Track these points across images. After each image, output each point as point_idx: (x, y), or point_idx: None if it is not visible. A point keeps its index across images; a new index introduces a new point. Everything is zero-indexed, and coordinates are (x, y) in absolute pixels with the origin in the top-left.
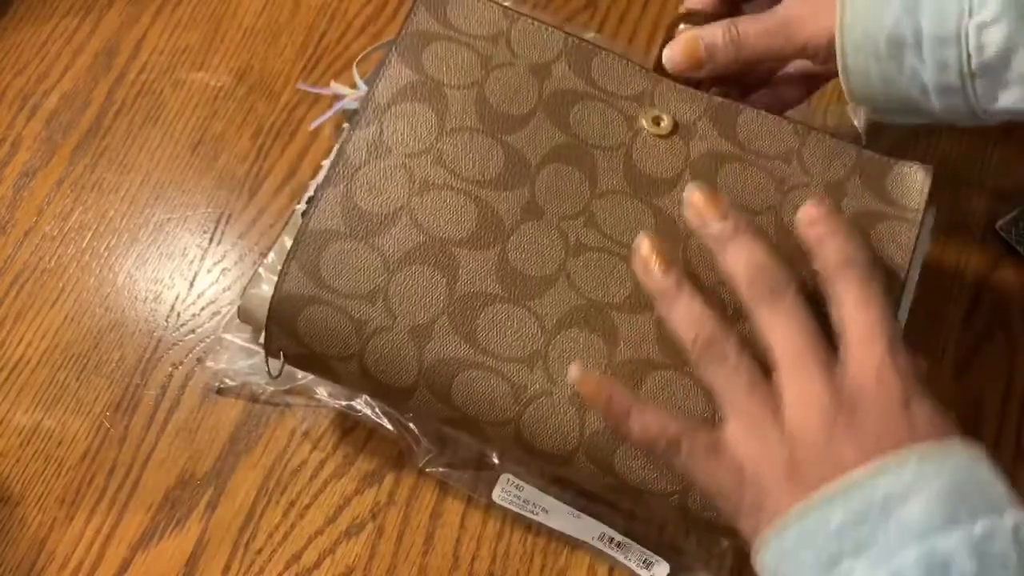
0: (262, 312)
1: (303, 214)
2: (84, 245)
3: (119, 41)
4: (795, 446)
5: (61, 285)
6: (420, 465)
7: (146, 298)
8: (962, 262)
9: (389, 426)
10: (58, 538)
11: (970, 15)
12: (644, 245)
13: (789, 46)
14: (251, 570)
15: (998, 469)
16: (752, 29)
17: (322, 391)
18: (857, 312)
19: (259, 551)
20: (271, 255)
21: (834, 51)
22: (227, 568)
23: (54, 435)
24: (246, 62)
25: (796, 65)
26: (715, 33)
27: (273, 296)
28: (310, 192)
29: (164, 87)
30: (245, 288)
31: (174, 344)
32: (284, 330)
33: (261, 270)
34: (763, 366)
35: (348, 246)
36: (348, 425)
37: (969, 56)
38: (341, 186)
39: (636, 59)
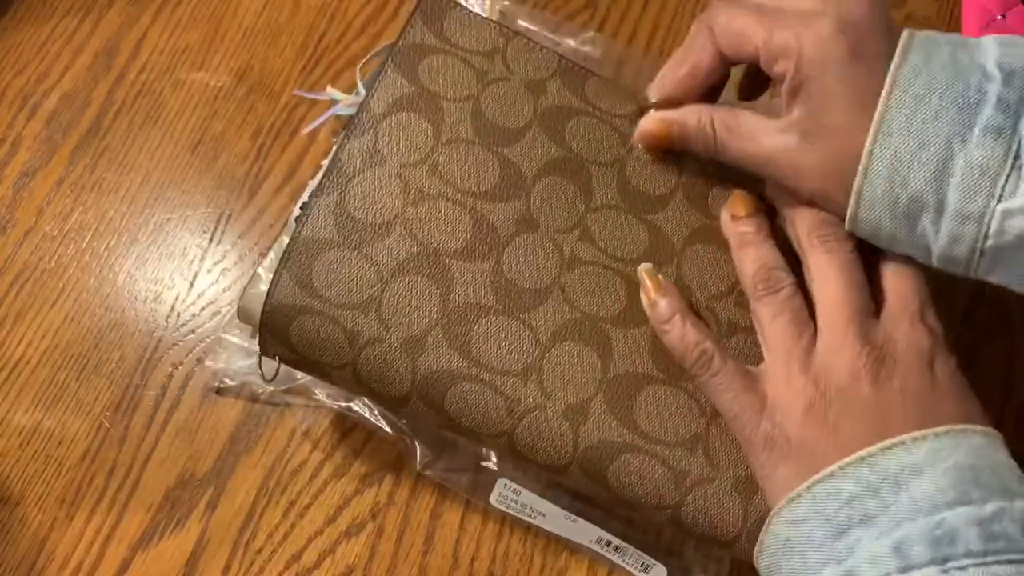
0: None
1: (296, 219)
2: (84, 245)
3: (119, 41)
4: (818, 390)
5: (61, 285)
6: (418, 469)
7: (146, 298)
8: None
9: (388, 429)
10: (58, 538)
11: (999, 200)
12: (643, 276)
13: (757, 168)
14: (251, 570)
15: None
16: (725, 135)
17: (320, 392)
18: (894, 279)
19: (259, 551)
20: (270, 255)
21: (829, 195)
22: (227, 568)
23: (54, 435)
24: (246, 62)
25: None
26: (690, 124)
27: (264, 304)
28: (305, 196)
29: (164, 87)
30: (245, 288)
31: (174, 344)
32: (277, 337)
33: (260, 270)
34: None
35: (341, 255)
36: (348, 425)
37: (986, 237)
38: (335, 195)
39: (635, 59)
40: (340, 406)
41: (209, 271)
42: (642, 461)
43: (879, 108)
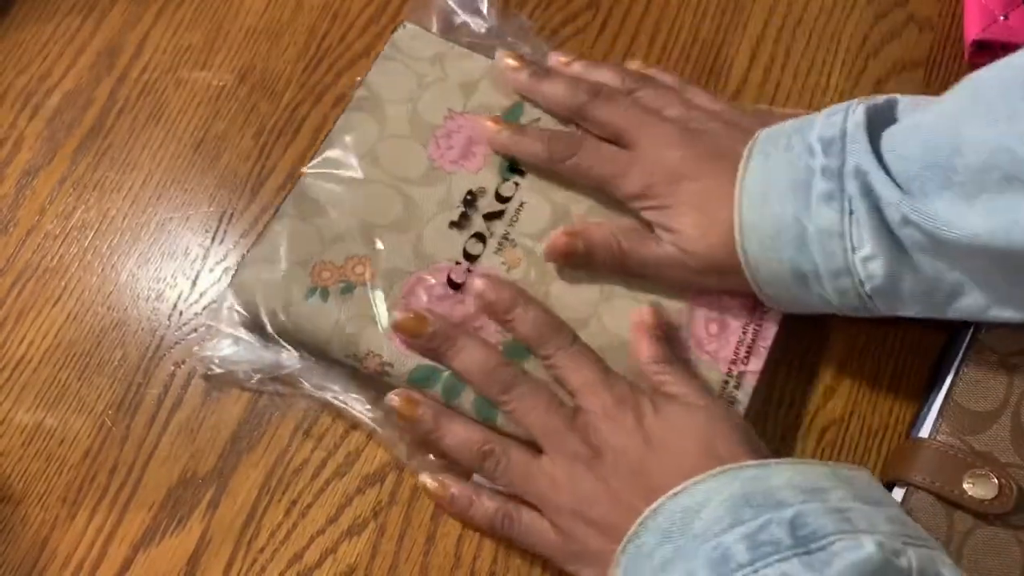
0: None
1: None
2: (86, 244)
3: (121, 40)
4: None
5: (63, 284)
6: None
7: (148, 297)
8: None
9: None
10: (60, 537)
11: (853, 252)
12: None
13: (682, 278)
14: (253, 569)
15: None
16: (636, 256)
17: (306, 383)
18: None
19: (261, 550)
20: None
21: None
22: (229, 567)
23: (56, 434)
24: (248, 61)
25: None
26: (596, 240)
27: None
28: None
29: (166, 86)
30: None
31: (176, 343)
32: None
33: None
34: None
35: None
36: (350, 424)
37: (862, 283)
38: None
39: (638, 59)
40: (331, 399)
41: (211, 270)
42: None
43: (735, 213)
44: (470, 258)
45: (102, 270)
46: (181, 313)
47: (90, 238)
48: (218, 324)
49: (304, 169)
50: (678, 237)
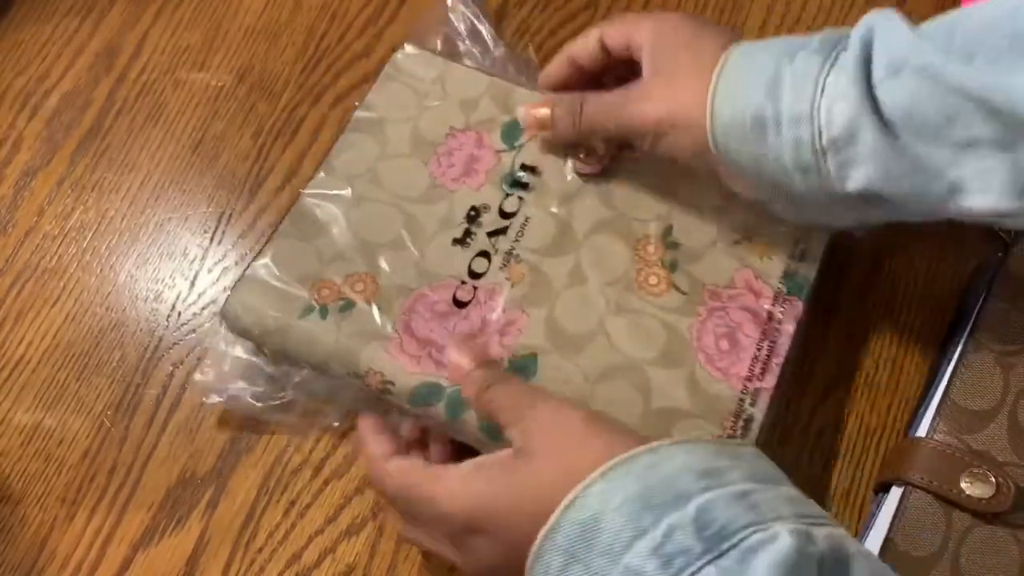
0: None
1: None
2: (85, 245)
3: (120, 41)
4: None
5: (62, 285)
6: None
7: (147, 297)
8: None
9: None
10: (59, 537)
11: (822, 93)
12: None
13: (619, 129)
14: (252, 569)
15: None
16: (591, 108)
17: (300, 407)
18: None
19: (260, 550)
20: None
21: (651, 137)
22: (228, 567)
23: (55, 434)
24: (247, 62)
25: None
26: (563, 105)
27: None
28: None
29: (165, 87)
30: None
31: (175, 343)
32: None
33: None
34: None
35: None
36: (348, 426)
37: (820, 132)
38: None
39: None
40: (333, 425)
41: (210, 270)
42: None
43: (721, 58)
44: (475, 276)
45: (100, 271)
46: (180, 314)
47: (88, 239)
48: (216, 344)
49: (303, 190)
50: (646, 82)
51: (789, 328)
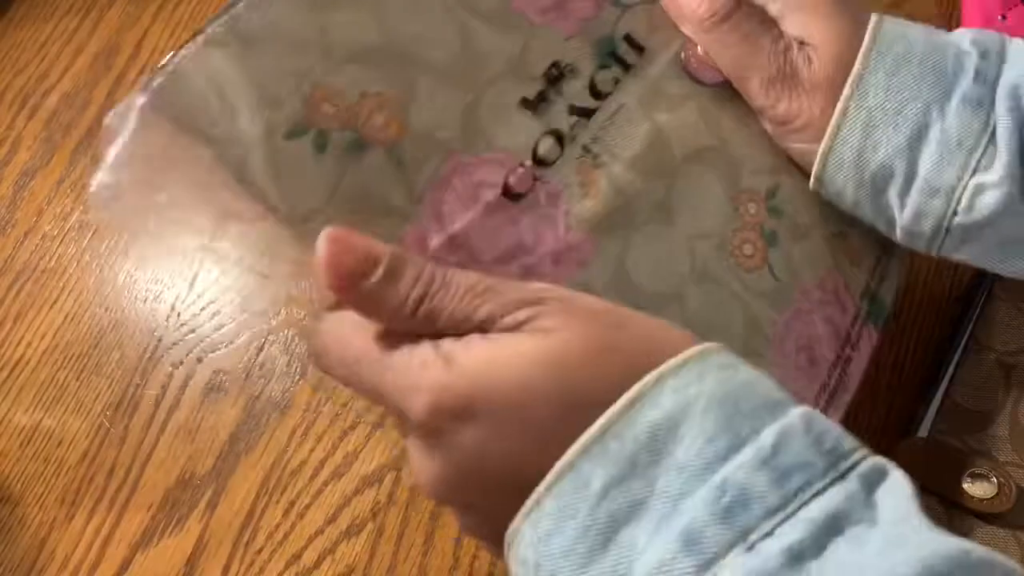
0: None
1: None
2: (84, 245)
3: (119, 41)
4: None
5: (61, 285)
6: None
7: (146, 298)
8: None
9: None
10: (58, 538)
11: (973, 173)
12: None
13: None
14: (251, 570)
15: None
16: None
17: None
18: None
19: (259, 551)
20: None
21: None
22: (227, 568)
23: (54, 435)
24: None
25: None
26: None
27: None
28: None
29: None
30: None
31: (174, 344)
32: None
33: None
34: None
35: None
36: (348, 425)
37: (955, 213)
38: None
39: None
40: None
41: (209, 271)
42: None
43: (856, 65)
44: (540, 163)
45: (100, 271)
46: (179, 315)
47: (88, 239)
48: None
49: None
50: (808, 29)
51: (863, 359)
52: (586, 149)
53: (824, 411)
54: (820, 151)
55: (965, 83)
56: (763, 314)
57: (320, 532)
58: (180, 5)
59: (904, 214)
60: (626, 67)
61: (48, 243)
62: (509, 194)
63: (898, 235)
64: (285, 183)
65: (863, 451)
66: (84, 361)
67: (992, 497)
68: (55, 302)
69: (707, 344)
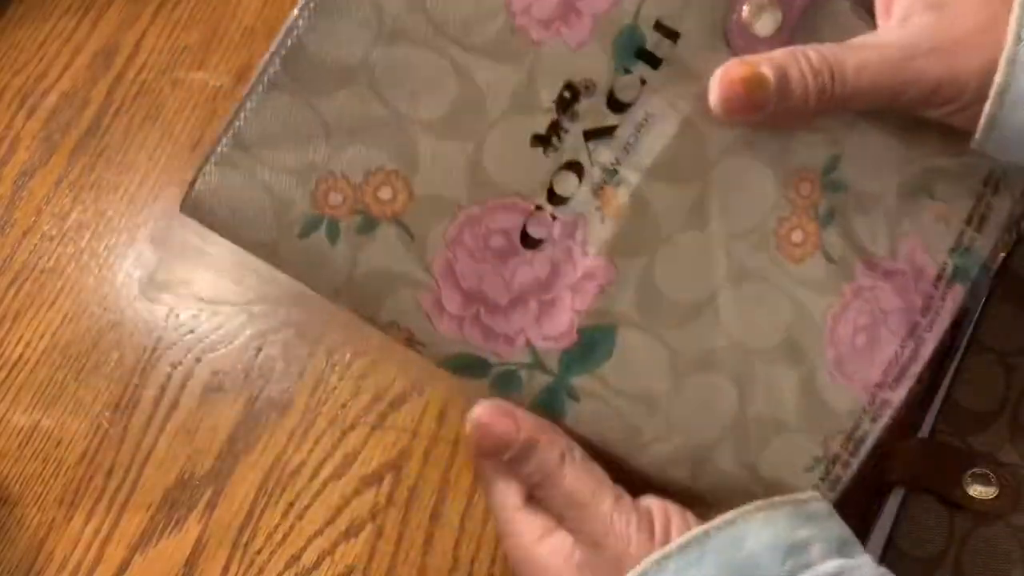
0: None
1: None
2: (83, 245)
3: (118, 40)
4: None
5: (60, 285)
6: None
7: (145, 298)
8: None
9: None
10: (57, 538)
11: None
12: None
13: (893, 96)
14: (250, 570)
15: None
16: (859, 63)
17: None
18: None
19: (258, 552)
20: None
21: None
22: (226, 568)
23: (53, 435)
24: (246, 61)
25: None
26: (802, 60)
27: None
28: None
29: (163, 87)
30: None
31: (173, 344)
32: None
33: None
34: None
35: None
36: (348, 426)
37: None
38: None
39: None
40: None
41: (208, 271)
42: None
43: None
44: (557, 201)
45: (99, 271)
46: (178, 315)
47: (87, 239)
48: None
49: (297, 9)
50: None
51: (943, 323)
52: (609, 172)
53: (893, 384)
54: (996, 83)
55: None
56: (815, 303)
57: (319, 533)
58: (179, 5)
59: None
60: (655, 63)
61: (47, 243)
62: (526, 241)
63: None
64: (307, 277)
65: None
66: (83, 361)
67: (993, 498)
68: (54, 302)
69: (715, 522)
